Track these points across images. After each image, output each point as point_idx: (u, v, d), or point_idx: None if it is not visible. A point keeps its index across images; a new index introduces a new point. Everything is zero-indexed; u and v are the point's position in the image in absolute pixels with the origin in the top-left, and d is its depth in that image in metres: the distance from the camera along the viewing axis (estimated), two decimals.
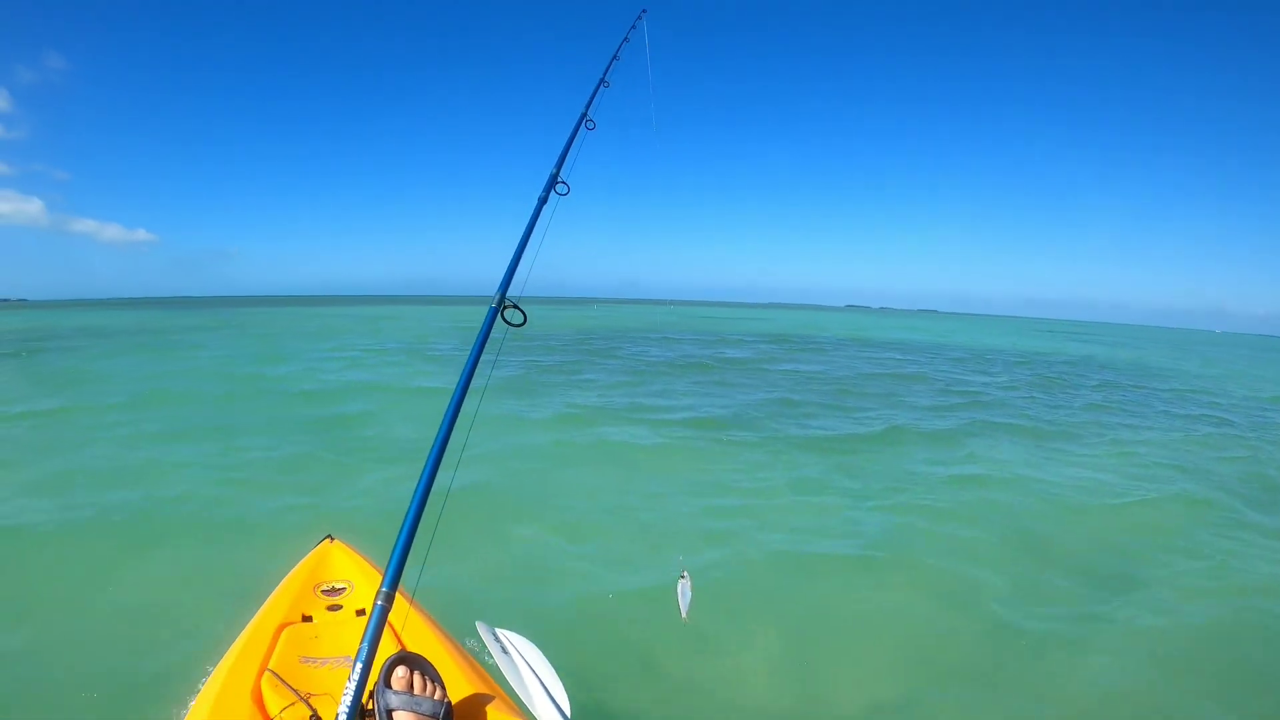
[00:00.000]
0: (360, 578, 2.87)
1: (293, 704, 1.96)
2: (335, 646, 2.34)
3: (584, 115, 2.77)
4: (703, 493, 6.66)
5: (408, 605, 2.57)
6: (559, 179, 2.37)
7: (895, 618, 4.43)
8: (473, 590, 4.29)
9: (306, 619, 2.57)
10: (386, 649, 2.19)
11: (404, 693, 1.67)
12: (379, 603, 1.47)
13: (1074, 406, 13.43)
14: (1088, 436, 10.25)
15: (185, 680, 2.51)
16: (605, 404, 11.32)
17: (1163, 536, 5.98)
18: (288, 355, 19.29)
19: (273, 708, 1.99)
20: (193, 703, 2.15)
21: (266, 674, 2.12)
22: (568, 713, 2.05)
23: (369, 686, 1.63)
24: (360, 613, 2.62)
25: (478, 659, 2.40)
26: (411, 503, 1.55)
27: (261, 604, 2.71)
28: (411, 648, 2.23)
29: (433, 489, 1.65)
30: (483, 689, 2.14)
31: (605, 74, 3.18)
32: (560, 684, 2.21)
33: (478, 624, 2.73)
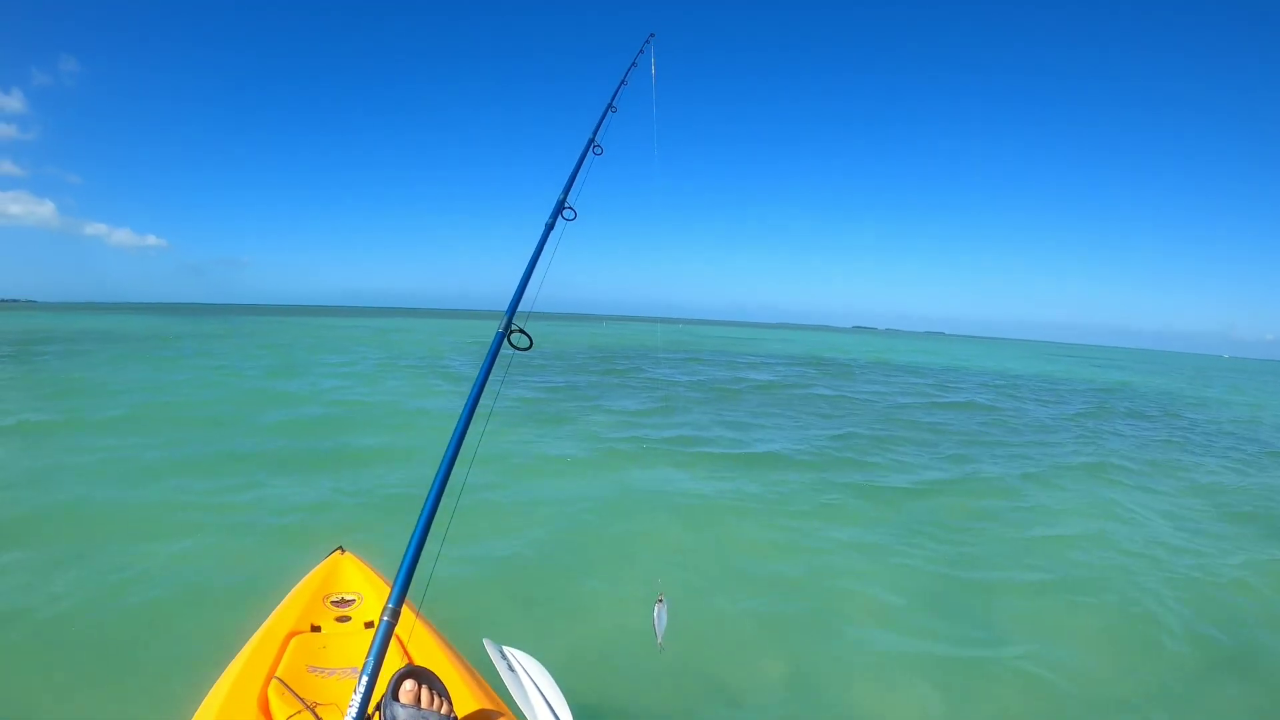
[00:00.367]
0: (370, 590, 2.90)
1: (299, 712, 2.01)
2: (343, 657, 2.38)
3: (591, 141, 2.85)
4: (754, 550, 5.87)
5: (416, 619, 2.61)
6: (566, 205, 2.44)
7: None
8: (482, 608, 4.30)
9: (315, 629, 2.61)
10: (394, 662, 2.24)
11: (411, 706, 1.70)
12: (385, 618, 1.54)
13: (1156, 441, 13.05)
14: (1201, 479, 9.62)
15: (191, 686, 2.47)
16: (636, 436, 10.45)
17: None
18: (298, 368, 18.96)
19: (279, 715, 2.03)
20: (198, 708, 2.18)
21: (273, 682, 2.16)
22: None
23: (375, 699, 1.69)
24: (369, 625, 2.65)
25: (484, 676, 2.42)
26: (419, 520, 1.62)
27: (270, 613, 2.75)
28: (419, 662, 2.27)
29: (442, 505, 1.71)
30: (488, 705, 2.17)
31: (613, 99, 3.26)
32: (565, 704, 2.24)
33: (485, 641, 2.78)
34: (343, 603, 2.81)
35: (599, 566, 5.32)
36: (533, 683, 2.28)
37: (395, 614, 1.55)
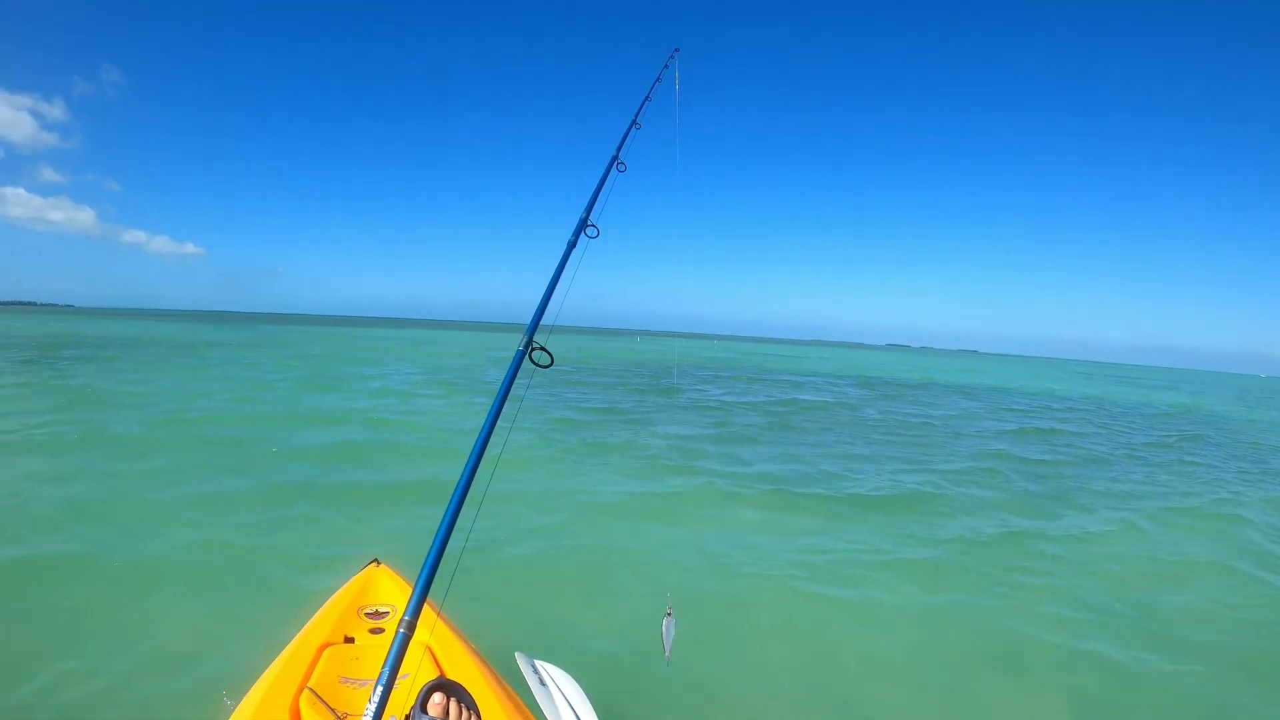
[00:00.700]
0: (404, 602, 2.90)
1: None
2: (375, 669, 2.36)
3: (615, 158, 2.86)
4: (871, 626, 4.95)
5: (449, 631, 2.67)
6: (589, 222, 2.46)
7: None
8: (519, 623, 4.27)
9: (349, 640, 2.65)
10: (425, 674, 2.28)
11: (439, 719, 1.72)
12: (401, 630, 1.59)
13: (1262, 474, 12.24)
14: None
15: (222, 696, 2.62)
16: (691, 465, 9.32)
17: None
18: (331, 381, 18.47)
19: None
20: (230, 717, 2.21)
21: (305, 692, 2.20)
22: None
23: (406, 710, 1.71)
24: None
25: (515, 689, 2.44)
26: (436, 535, 1.67)
27: (305, 624, 2.79)
28: (450, 674, 2.30)
29: (465, 520, 1.74)
30: (518, 719, 2.19)
31: (637, 115, 3.27)
32: (596, 718, 2.24)
33: (517, 655, 2.79)
34: (377, 614, 2.84)
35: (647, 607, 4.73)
36: (564, 697, 2.29)
37: (411, 626, 1.61)
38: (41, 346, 26.57)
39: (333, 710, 2.10)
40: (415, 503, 6.99)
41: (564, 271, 2.26)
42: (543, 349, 2.00)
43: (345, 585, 3.11)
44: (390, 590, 3.07)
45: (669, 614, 2.42)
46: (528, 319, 2.08)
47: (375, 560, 3.29)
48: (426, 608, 2.83)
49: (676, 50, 3.85)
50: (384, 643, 2.64)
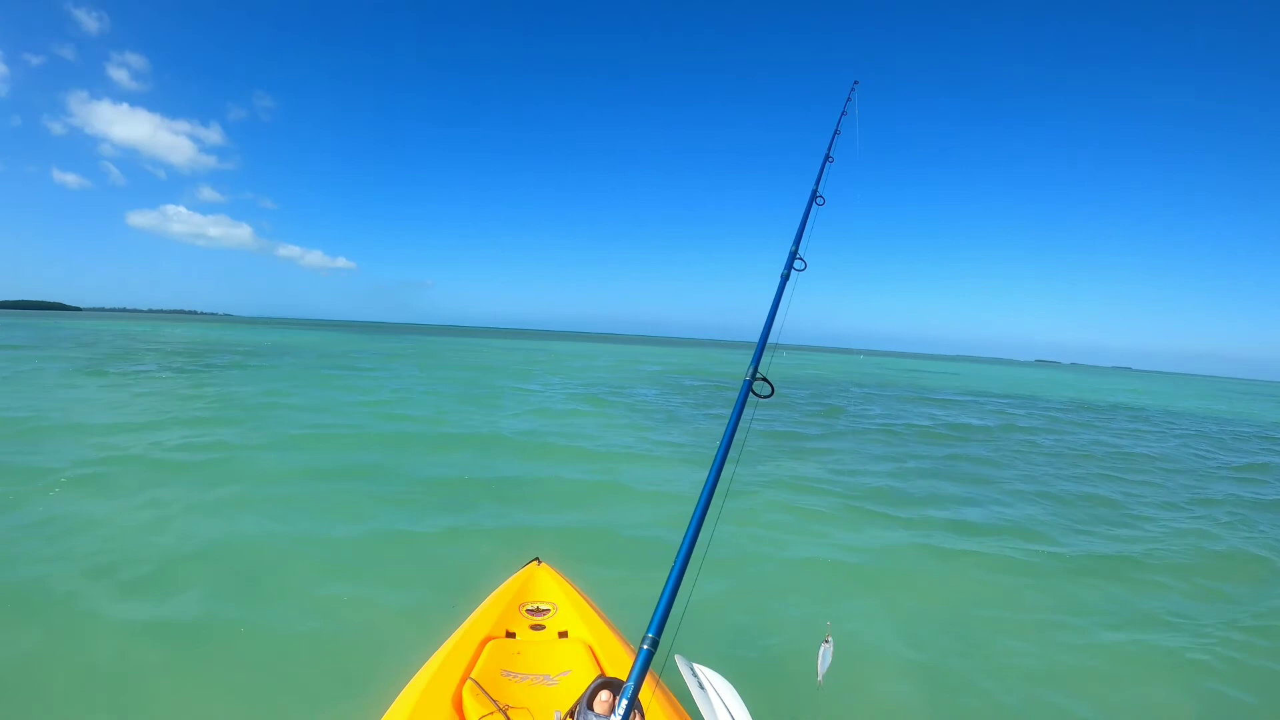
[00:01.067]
0: (565, 601, 3.00)
1: (491, 714, 2.13)
2: (536, 664, 2.47)
3: (814, 193, 2.93)
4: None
5: (608, 630, 2.75)
6: (797, 255, 2.54)
7: None
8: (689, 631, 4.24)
9: (510, 635, 2.75)
10: (586, 672, 2.38)
11: (605, 716, 1.79)
12: (644, 647, 1.60)
13: None
14: None
15: (387, 681, 2.64)
16: (892, 512, 7.85)
17: None
18: (481, 395, 17.91)
19: (471, 715, 2.16)
20: (394, 702, 2.33)
21: (469, 682, 2.29)
22: None
23: (569, 705, 1.81)
24: (562, 635, 2.74)
25: (674, 691, 2.46)
26: (678, 556, 1.71)
27: (467, 617, 2.91)
28: (610, 673, 2.36)
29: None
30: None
31: (829, 150, 3.34)
32: None
33: (677, 657, 2.87)
34: (538, 611, 2.92)
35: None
36: (721, 701, 2.30)
37: (655, 644, 1.62)
38: (197, 353, 28.80)
39: (494, 701, 2.17)
40: (572, 509, 7.15)
41: (779, 305, 2.33)
42: (764, 379, 2.08)
43: (507, 582, 3.22)
44: (551, 588, 3.13)
45: (827, 640, 2.42)
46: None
47: (536, 559, 3.40)
48: (586, 605, 2.97)
49: (856, 83, 3.91)
50: (544, 639, 2.70)
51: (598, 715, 1.79)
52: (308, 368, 24.00)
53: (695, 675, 2.44)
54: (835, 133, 3.49)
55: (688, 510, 1.73)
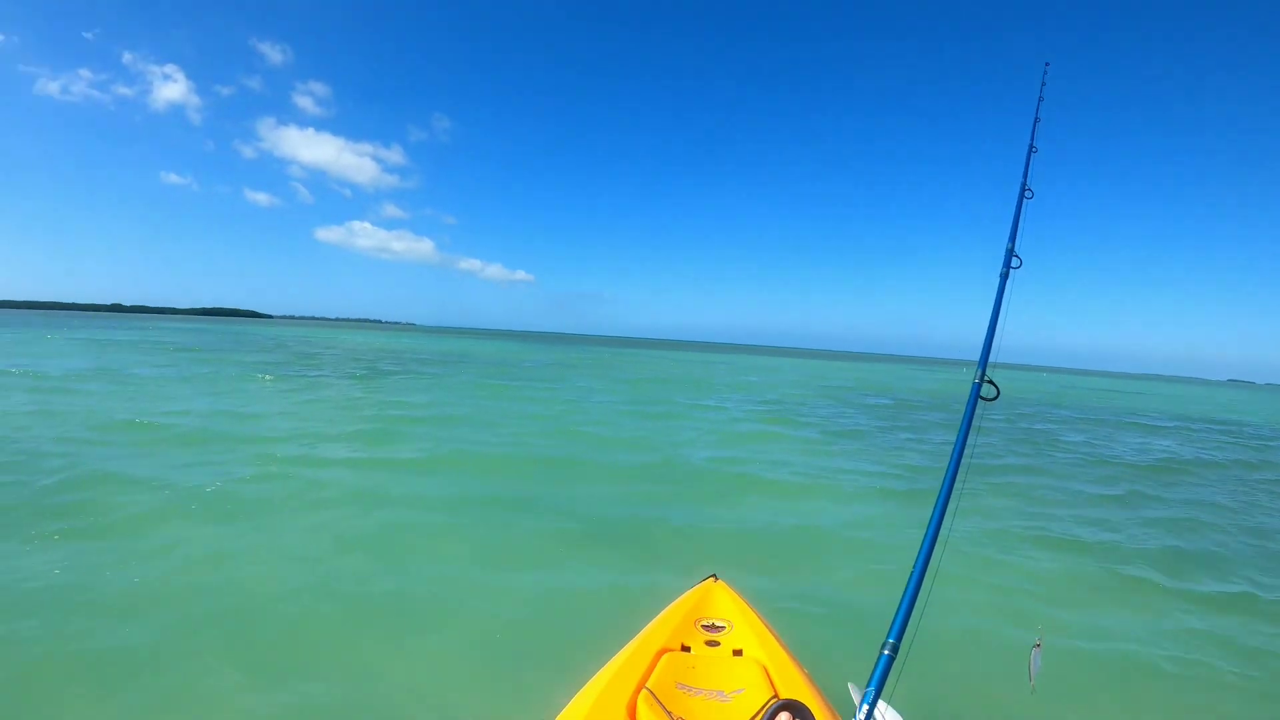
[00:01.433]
0: (740, 619, 2.98)
1: None
2: (710, 680, 2.46)
3: (1023, 185, 2.77)
4: None
5: (782, 651, 2.69)
6: (1013, 252, 2.41)
7: None
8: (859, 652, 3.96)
9: (685, 649, 2.74)
10: (759, 692, 2.34)
11: None
12: (885, 653, 1.59)
13: None
14: None
15: (561, 686, 2.67)
16: (1136, 574, 6.16)
17: None
18: (660, 412, 16.67)
19: None
20: (569, 704, 2.37)
21: (644, 692, 2.31)
22: None
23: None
24: (737, 653, 2.71)
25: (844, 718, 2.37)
26: (916, 562, 1.68)
27: (642, 629, 2.93)
28: (783, 694, 2.33)
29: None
30: None
31: (1032, 139, 3.14)
32: None
33: (850, 685, 2.78)
34: (713, 628, 2.91)
35: None
36: None
37: (895, 649, 1.60)
38: (371, 359, 30.56)
39: (668, 712, 2.17)
40: (751, 529, 6.95)
41: (1002, 304, 2.23)
42: (991, 382, 1.99)
43: (683, 596, 3.21)
44: (726, 605, 3.11)
45: (1038, 644, 2.40)
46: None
47: (713, 575, 3.38)
48: (761, 625, 2.92)
49: (1047, 65, 3.68)
50: (718, 656, 2.68)
51: None
52: (480, 378, 23.76)
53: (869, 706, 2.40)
54: (1035, 120, 3.27)
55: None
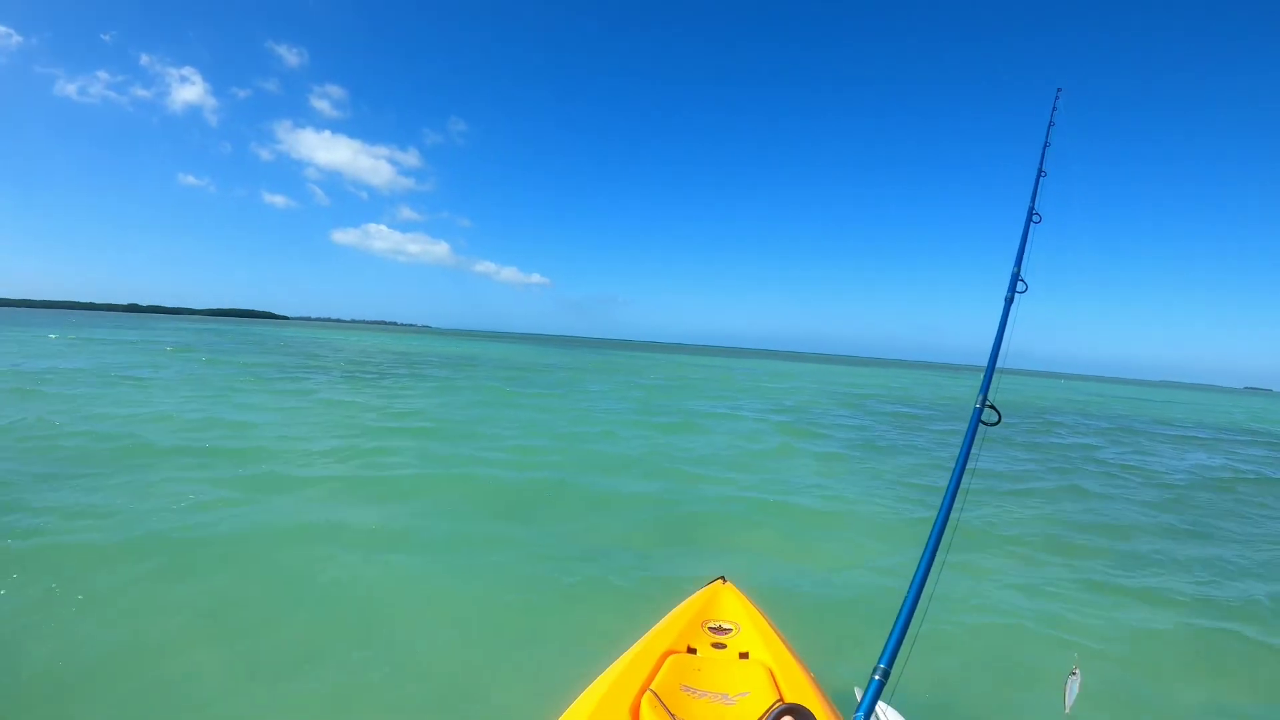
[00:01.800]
0: (747, 622, 2.99)
1: None
2: (715, 682, 2.47)
3: (1031, 209, 2.81)
4: None
5: (789, 654, 2.71)
6: (1019, 277, 2.45)
7: None
8: (861, 658, 4.05)
9: (691, 651, 2.75)
10: (764, 695, 2.35)
11: None
12: (876, 677, 1.62)
13: None
14: None
15: (566, 685, 2.66)
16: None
17: None
18: (677, 422, 15.49)
19: None
20: (573, 704, 2.37)
21: (648, 694, 2.32)
22: None
23: None
24: (743, 655, 2.72)
25: None
26: (911, 584, 1.72)
27: (649, 630, 2.94)
28: (788, 698, 2.33)
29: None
30: None
31: (1041, 163, 3.18)
32: None
33: (856, 690, 2.80)
34: (720, 630, 2.92)
35: None
36: None
37: (886, 674, 1.64)
38: (380, 361, 30.36)
39: (671, 714, 2.18)
40: (760, 534, 6.96)
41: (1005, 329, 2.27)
42: (992, 407, 2.03)
43: (691, 598, 3.23)
44: (734, 608, 3.12)
45: (1075, 672, 2.41)
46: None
47: (721, 577, 3.40)
48: (769, 628, 2.95)
49: (1059, 91, 3.72)
50: (725, 659, 2.69)
51: None
52: (486, 384, 23.02)
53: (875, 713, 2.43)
54: (1045, 145, 3.32)
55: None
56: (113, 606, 4.32)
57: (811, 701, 2.34)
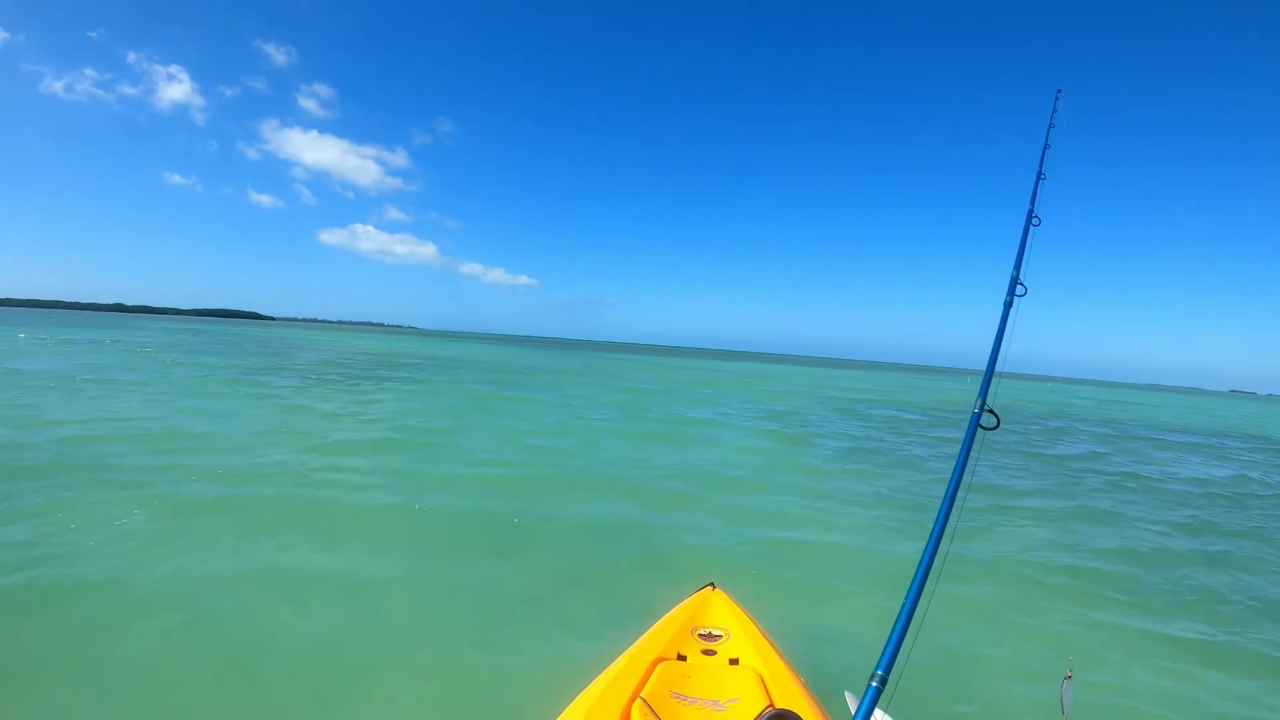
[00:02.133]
0: (737, 628, 3.00)
1: None
2: (705, 689, 2.47)
3: (1030, 212, 2.82)
4: None
5: (779, 660, 2.72)
6: (1019, 280, 2.45)
7: None
8: (856, 661, 4.06)
9: (681, 658, 2.76)
10: (754, 700, 2.36)
11: None
12: (873, 684, 1.59)
13: None
14: None
15: (556, 695, 2.66)
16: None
17: None
18: (654, 422, 15.66)
19: None
20: (562, 713, 2.37)
21: (638, 701, 2.33)
22: None
23: None
24: (733, 662, 2.72)
25: None
26: (909, 591, 1.70)
27: (639, 638, 2.95)
28: (778, 704, 2.34)
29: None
30: None
31: (1040, 166, 3.18)
32: None
33: (847, 694, 2.79)
34: (710, 637, 2.93)
35: None
36: None
37: (884, 681, 1.61)
38: (356, 364, 29.96)
39: None
40: (753, 527, 7.04)
41: (1004, 333, 2.27)
42: (990, 411, 2.03)
43: (681, 605, 3.24)
44: (724, 614, 3.13)
45: (1069, 675, 2.41)
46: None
47: (711, 584, 3.41)
48: (759, 634, 2.94)
49: (1059, 92, 3.73)
50: (715, 665, 2.69)
51: None
52: (465, 386, 22.51)
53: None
54: (1045, 147, 3.32)
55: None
56: None
57: (802, 707, 2.36)
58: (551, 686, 3.16)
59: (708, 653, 2.81)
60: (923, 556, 1.77)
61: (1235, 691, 4.37)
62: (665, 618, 3.14)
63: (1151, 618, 5.52)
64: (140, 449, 8.88)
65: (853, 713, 2.37)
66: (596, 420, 15.80)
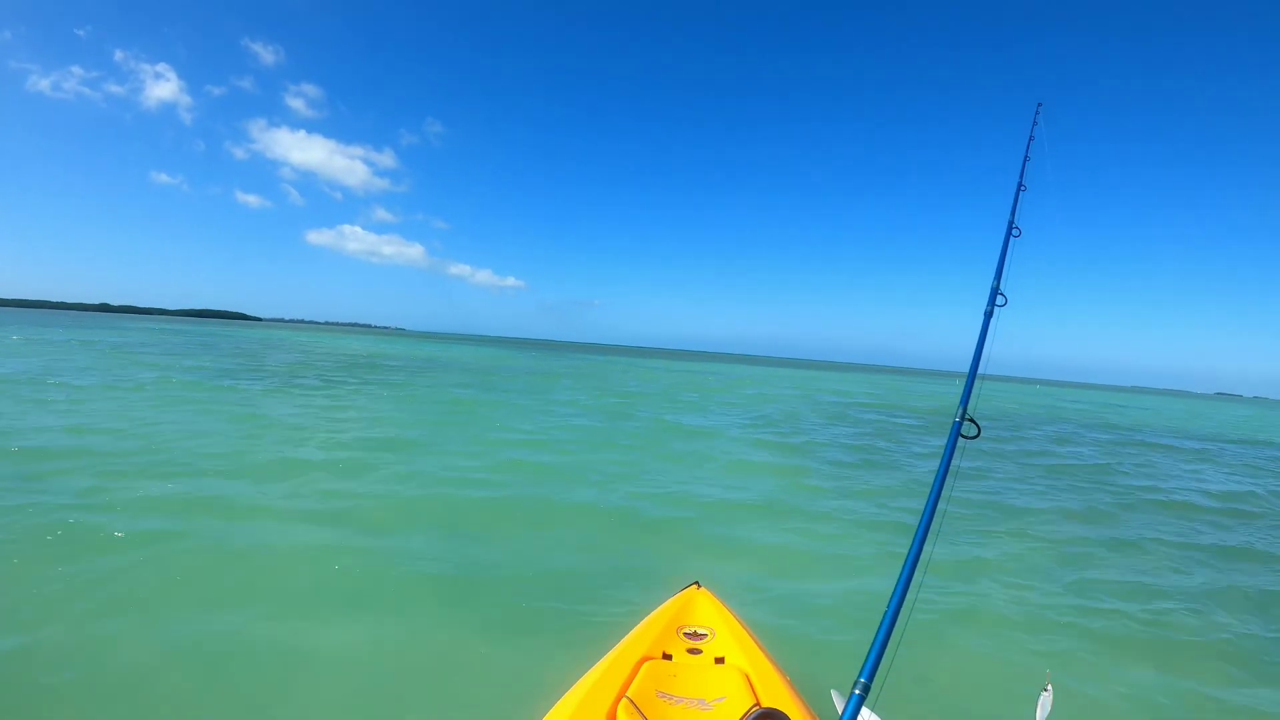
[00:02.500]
0: (722, 627, 3.02)
1: None
2: (690, 688, 2.49)
3: (1010, 224, 2.87)
4: None
5: (765, 659, 2.75)
6: (999, 290, 2.50)
7: None
8: (842, 661, 3.94)
9: (667, 657, 2.78)
10: (741, 700, 2.38)
11: None
12: (856, 691, 1.63)
13: None
14: None
15: (542, 695, 2.65)
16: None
17: None
18: (638, 429, 15.20)
19: None
20: (548, 713, 2.38)
21: (624, 701, 2.34)
22: None
23: None
24: (719, 660, 2.75)
25: None
26: (892, 597, 1.73)
27: (624, 636, 2.97)
28: (765, 703, 2.36)
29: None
30: None
31: (1021, 178, 3.25)
32: None
33: (833, 692, 2.82)
34: (695, 635, 2.95)
35: None
36: None
37: (866, 689, 1.65)
38: (360, 366, 29.99)
39: None
40: (738, 530, 7.04)
41: (985, 342, 2.32)
42: (971, 420, 2.07)
43: (666, 604, 3.26)
44: (709, 613, 3.15)
45: (1047, 688, 2.43)
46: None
47: (696, 583, 3.43)
48: (744, 633, 2.98)
49: (1039, 105, 3.81)
50: (700, 664, 2.71)
51: None
52: (444, 391, 21.75)
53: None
54: (1025, 159, 3.39)
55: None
56: None
57: (788, 706, 2.37)
58: (536, 687, 3.14)
59: (693, 651, 2.83)
60: (904, 566, 1.81)
61: (1227, 701, 4.38)
62: (650, 616, 3.15)
63: (1134, 625, 5.54)
64: (32, 465, 7.68)
65: (839, 712, 2.43)
66: (580, 430, 14.83)
